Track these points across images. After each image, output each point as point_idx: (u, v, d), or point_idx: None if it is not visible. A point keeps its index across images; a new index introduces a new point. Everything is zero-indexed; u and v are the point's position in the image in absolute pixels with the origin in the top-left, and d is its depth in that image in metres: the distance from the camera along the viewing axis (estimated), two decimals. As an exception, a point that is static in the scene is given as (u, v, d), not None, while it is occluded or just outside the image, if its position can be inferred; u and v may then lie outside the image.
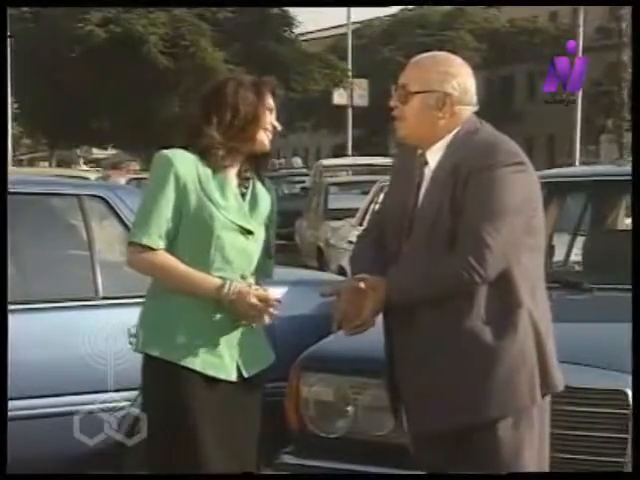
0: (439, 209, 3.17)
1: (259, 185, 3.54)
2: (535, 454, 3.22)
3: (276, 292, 3.44)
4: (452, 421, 3.18)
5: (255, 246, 3.46)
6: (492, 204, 3.11)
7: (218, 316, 3.38)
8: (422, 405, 3.22)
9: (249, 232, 3.44)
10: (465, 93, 3.26)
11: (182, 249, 3.38)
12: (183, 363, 3.33)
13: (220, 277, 3.37)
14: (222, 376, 3.38)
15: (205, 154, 3.41)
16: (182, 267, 3.35)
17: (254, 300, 3.35)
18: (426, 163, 3.27)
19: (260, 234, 3.48)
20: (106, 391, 4.52)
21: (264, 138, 3.48)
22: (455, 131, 3.25)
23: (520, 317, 3.17)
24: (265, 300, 3.37)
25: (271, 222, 3.55)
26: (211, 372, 3.36)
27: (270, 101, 3.50)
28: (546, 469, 3.29)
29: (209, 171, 3.41)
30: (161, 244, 3.36)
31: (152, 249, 3.36)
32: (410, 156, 3.35)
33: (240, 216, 3.43)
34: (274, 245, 3.59)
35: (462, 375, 3.15)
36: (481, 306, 3.15)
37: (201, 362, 3.35)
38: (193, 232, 3.37)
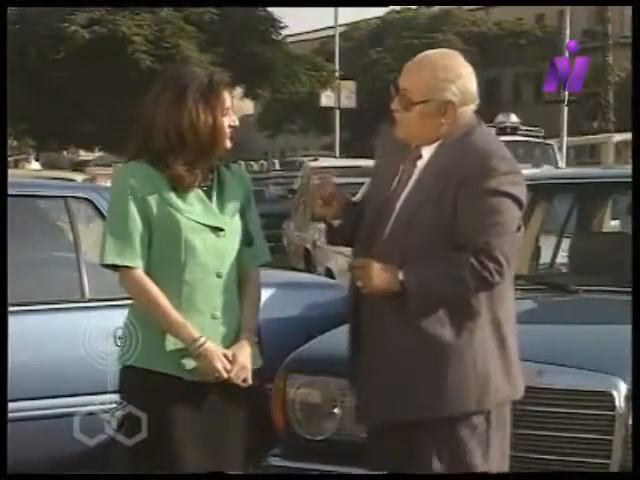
0: (420, 204, 3.17)
1: (225, 172, 3.42)
2: (490, 457, 3.21)
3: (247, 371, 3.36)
4: (389, 415, 3.21)
5: (228, 241, 3.36)
6: (495, 214, 3.11)
7: (207, 320, 3.35)
8: (372, 395, 3.25)
9: (219, 229, 3.34)
10: (466, 95, 3.22)
11: (155, 258, 3.31)
12: (171, 372, 3.30)
13: (196, 314, 3.31)
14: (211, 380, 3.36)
15: (165, 174, 3.30)
16: (169, 305, 3.28)
17: (218, 365, 3.30)
18: (420, 157, 3.26)
19: (233, 227, 3.37)
20: (90, 394, 4.51)
21: (227, 143, 3.36)
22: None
23: (479, 324, 3.16)
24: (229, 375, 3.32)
25: (247, 207, 3.44)
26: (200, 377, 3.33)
27: (228, 101, 3.34)
28: (506, 470, 3.29)
29: (166, 178, 3.31)
30: (139, 262, 3.29)
31: (130, 268, 3.29)
32: (401, 147, 3.30)
33: (207, 216, 3.33)
34: (258, 229, 3.47)
35: (413, 372, 3.17)
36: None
37: (190, 368, 3.31)
38: (162, 240, 3.30)
